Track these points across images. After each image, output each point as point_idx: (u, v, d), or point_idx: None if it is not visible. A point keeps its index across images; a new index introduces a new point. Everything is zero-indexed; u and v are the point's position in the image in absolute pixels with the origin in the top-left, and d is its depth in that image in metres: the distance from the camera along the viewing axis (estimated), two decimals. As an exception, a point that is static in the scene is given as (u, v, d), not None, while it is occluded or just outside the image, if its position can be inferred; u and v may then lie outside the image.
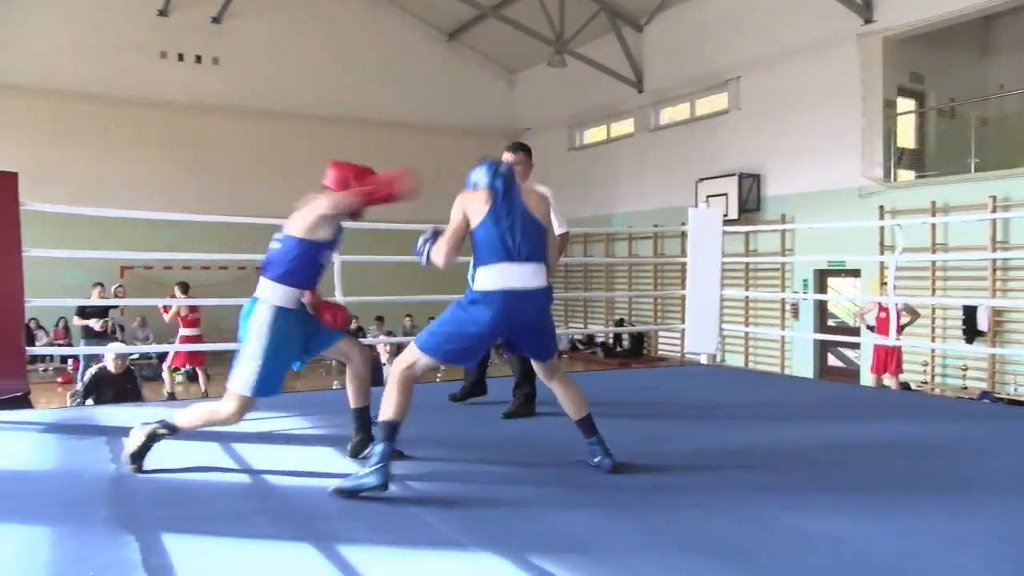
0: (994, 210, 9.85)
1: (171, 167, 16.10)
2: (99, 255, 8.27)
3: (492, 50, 18.84)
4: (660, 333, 15.67)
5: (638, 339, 15.83)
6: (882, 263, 10.54)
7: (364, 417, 3.51)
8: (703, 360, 7.07)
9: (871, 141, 11.41)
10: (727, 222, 7.44)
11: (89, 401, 6.35)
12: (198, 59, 16.56)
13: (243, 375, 3.22)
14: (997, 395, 9.82)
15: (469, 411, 4.81)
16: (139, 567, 2.23)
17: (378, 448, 2.90)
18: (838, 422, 4.47)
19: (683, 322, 7.14)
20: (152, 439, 3.25)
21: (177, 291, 11.00)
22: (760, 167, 13.16)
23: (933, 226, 10.54)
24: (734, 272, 13.01)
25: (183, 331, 11.04)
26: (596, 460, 3.27)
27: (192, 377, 13.51)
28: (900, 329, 9.31)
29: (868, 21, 11.40)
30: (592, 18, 15.28)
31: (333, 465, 3.42)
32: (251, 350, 3.24)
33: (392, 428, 2.95)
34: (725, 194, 13.10)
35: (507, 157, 4.92)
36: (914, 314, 9.33)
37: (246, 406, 3.24)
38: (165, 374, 11.04)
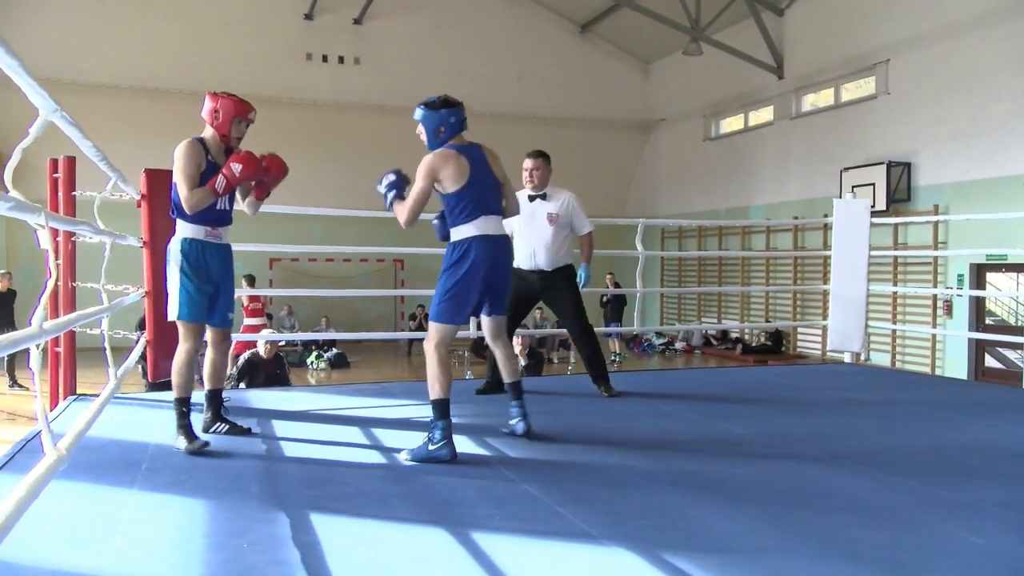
0: None
1: (316, 164, 16.85)
2: (250, 247, 8.77)
3: (626, 40, 18.63)
4: (800, 330, 15.08)
5: (776, 336, 15.29)
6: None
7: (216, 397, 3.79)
8: (847, 358, 6.75)
9: (1037, 124, 10.52)
10: (874, 213, 7.05)
11: (242, 384, 6.75)
12: (341, 60, 17.26)
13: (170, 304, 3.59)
14: None
15: (601, 405, 4.79)
16: (289, 542, 2.35)
17: (440, 424, 3.29)
18: (995, 426, 4.16)
19: (825, 318, 6.83)
20: (184, 421, 3.47)
21: (244, 283, 11.31)
22: (911, 155, 12.38)
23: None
24: (881, 266, 12.31)
25: (247, 320, 11.25)
26: (512, 422, 3.69)
27: (333, 364, 14.14)
28: None
29: (1037, -6, 10.50)
30: (729, 4, 14.83)
31: (470, 451, 3.49)
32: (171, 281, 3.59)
33: (444, 405, 3.33)
34: (872, 184, 12.42)
35: (527, 164, 4.99)
36: None
37: (190, 332, 3.56)
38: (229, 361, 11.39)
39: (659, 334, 17.13)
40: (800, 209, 14.09)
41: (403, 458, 3.30)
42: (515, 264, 4.86)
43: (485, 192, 3.53)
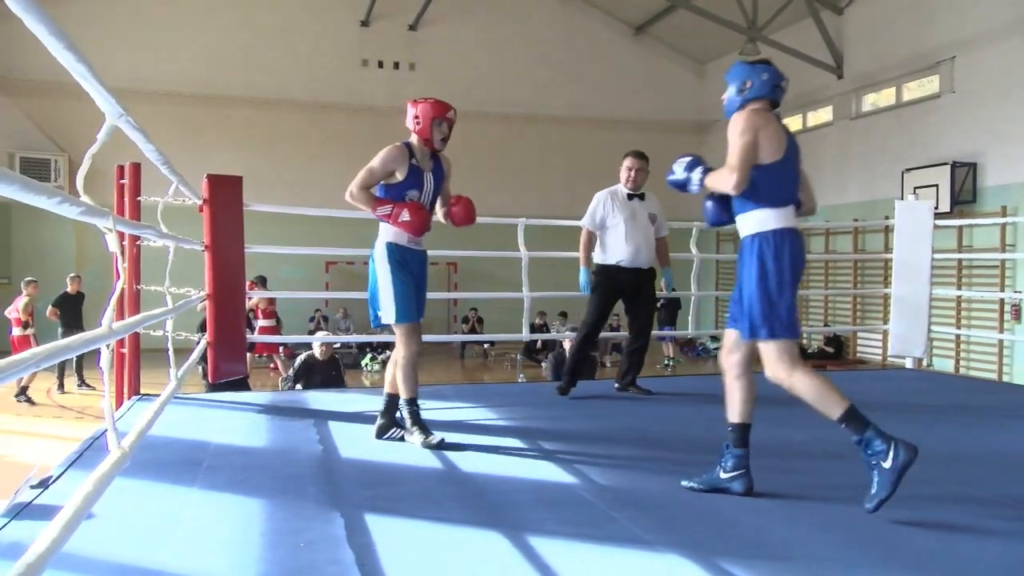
0: None
1: (371, 168, 17.09)
2: (307, 251, 8.95)
3: (680, 41, 18.44)
4: (860, 334, 14.72)
5: (836, 340, 14.96)
6: None
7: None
8: (909, 364, 6.57)
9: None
10: (938, 215, 6.86)
11: (298, 386, 6.87)
12: (396, 65, 17.46)
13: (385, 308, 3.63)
14: None
15: (655, 409, 4.75)
16: (344, 543, 2.38)
17: (736, 452, 2.91)
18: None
19: (886, 323, 6.67)
20: (415, 417, 3.60)
21: (256, 286, 11.22)
22: (977, 155, 11.99)
23: None
24: (945, 269, 11.94)
25: (260, 322, 11.19)
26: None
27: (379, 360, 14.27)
28: None
29: (1113, -13, 10.09)
30: (788, 3, 14.57)
31: (520, 455, 3.49)
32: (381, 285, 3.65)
33: (744, 431, 2.95)
34: (935, 185, 12.06)
35: (630, 163, 5.01)
36: None
37: (409, 333, 3.59)
38: (279, 361, 11.24)
39: (714, 338, 16.90)
40: (860, 211, 13.76)
41: (685, 484, 2.95)
42: (615, 261, 4.96)
43: (794, 177, 2.98)
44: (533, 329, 13.99)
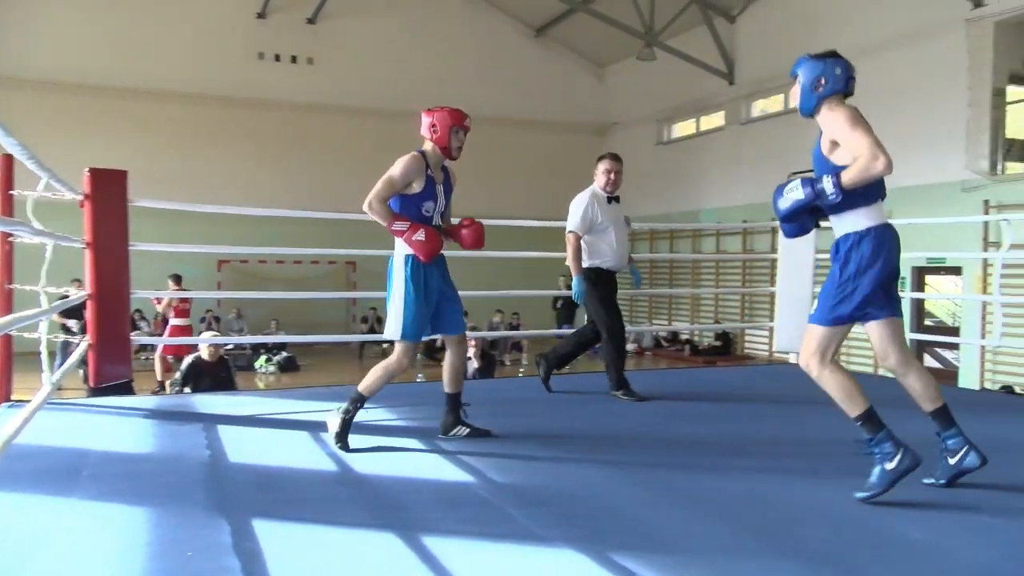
0: (1114, 205, 9.23)
1: (268, 164, 16.65)
2: (195, 249, 8.65)
3: (581, 44, 18.74)
4: (748, 331, 15.32)
5: (725, 337, 15.52)
6: (986, 260, 10.02)
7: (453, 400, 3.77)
8: (793, 359, 6.87)
9: (977, 132, 10.84)
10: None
11: (186, 389, 6.62)
12: (294, 59, 17.07)
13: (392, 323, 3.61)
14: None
15: (555, 407, 4.80)
16: (231, 550, 2.30)
17: (879, 437, 2.79)
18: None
19: (772, 320, 6.96)
20: (348, 415, 3.53)
21: (171, 283, 10.88)
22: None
23: (1045, 222, 9.94)
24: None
25: (174, 320, 10.96)
26: (954, 459, 2.93)
27: (283, 368, 13.95)
28: None
29: (978, 5, 10.82)
30: (683, 10, 15.01)
31: (419, 455, 3.47)
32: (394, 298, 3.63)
33: (872, 415, 2.84)
34: (819, 189, 12.67)
35: (611, 166, 4.99)
36: None
37: (408, 351, 3.57)
38: (158, 363, 10.73)
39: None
40: (749, 213, 14.31)
41: (858, 497, 2.79)
42: (604, 264, 4.93)
43: None
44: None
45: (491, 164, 15.75)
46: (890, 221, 2.98)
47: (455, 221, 3.91)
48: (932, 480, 2.96)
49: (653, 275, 17.98)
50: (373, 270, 16.57)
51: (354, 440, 3.61)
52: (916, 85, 11.62)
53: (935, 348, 11.97)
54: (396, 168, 3.57)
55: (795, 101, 3.04)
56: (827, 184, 2.81)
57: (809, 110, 2.98)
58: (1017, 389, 9.97)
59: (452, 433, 3.72)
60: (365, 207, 3.59)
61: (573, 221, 4.92)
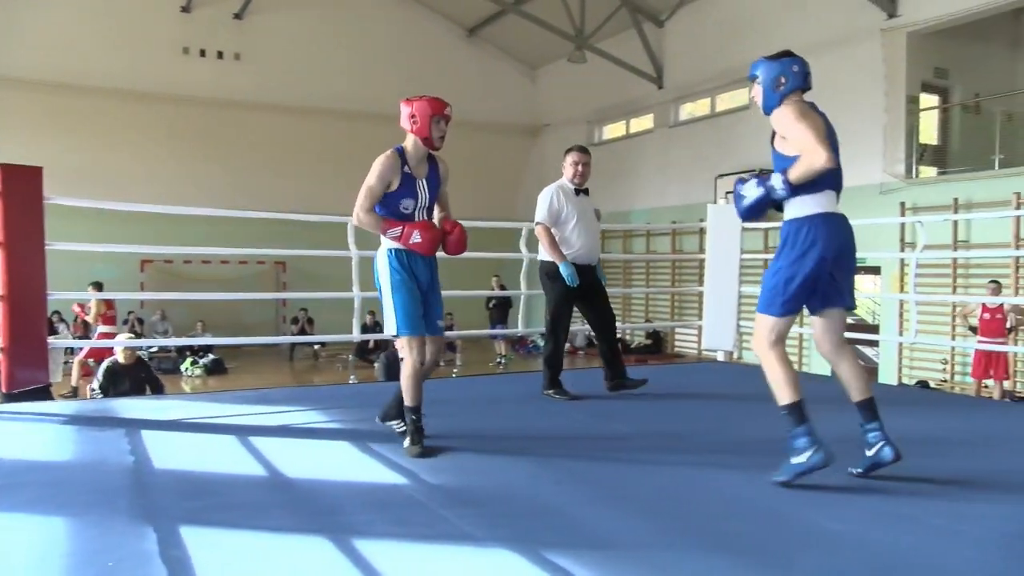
0: (1018, 207, 9.72)
1: (195, 162, 16.23)
2: (117, 248, 8.38)
3: (513, 45, 18.81)
4: (677, 330, 15.61)
5: (655, 336, 15.78)
6: (902, 260, 10.43)
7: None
8: (720, 357, 7.03)
9: (893, 137, 11.29)
10: (747, 218, 7.39)
11: (101, 394, 6.40)
12: (220, 55, 16.68)
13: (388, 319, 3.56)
14: (1020, 394, 9.70)
15: (488, 407, 4.81)
16: (156, 558, 2.24)
17: (799, 431, 2.90)
18: (853, 419, 4.41)
19: (701, 319, 7.11)
20: (415, 429, 3.49)
21: (90, 289, 10.10)
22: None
23: (955, 223, 10.42)
24: (753, 269, 12.88)
25: (100, 328, 10.44)
26: (872, 451, 3.02)
27: (210, 371, 13.63)
28: (1009, 331, 9.24)
29: (892, 16, 11.27)
30: (613, 14, 15.21)
31: (350, 458, 3.43)
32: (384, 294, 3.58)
33: (799, 408, 2.95)
34: (744, 191, 13.00)
35: (580, 157, 4.99)
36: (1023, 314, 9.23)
37: (412, 345, 3.50)
38: (75, 367, 10.35)
39: (543, 336, 17.35)
40: (678, 214, 14.58)
41: (775, 480, 2.94)
42: (576, 258, 4.86)
43: (837, 162, 2.99)
44: (365, 329, 13.79)
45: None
46: (839, 213, 3.06)
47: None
48: (854, 470, 3.08)
49: (585, 275, 18.16)
50: (304, 270, 16.35)
51: (281, 444, 3.55)
52: (836, 91, 11.98)
53: (856, 345, 12.40)
54: (372, 174, 3.50)
55: (758, 101, 3.13)
56: (776, 181, 2.98)
57: (771, 108, 3.07)
58: (932, 384, 10.42)
59: (388, 423, 3.69)
60: (354, 221, 3.55)
61: (540, 212, 4.92)
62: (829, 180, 2.99)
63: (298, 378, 13.62)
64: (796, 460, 2.89)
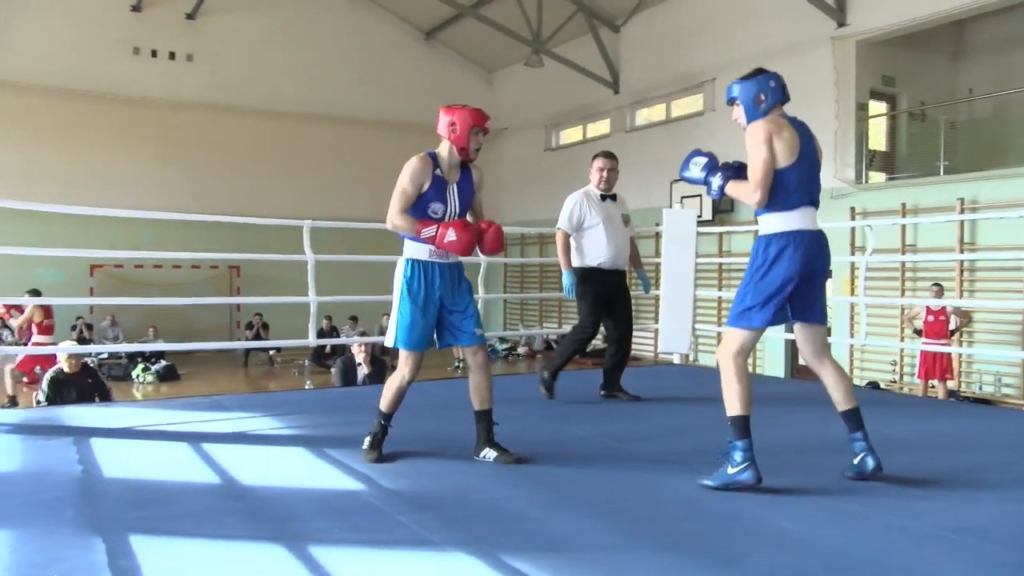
0: (962, 212, 10.00)
1: (147, 164, 15.93)
2: (64, 253, 8.17)
3: (470, 49, 18.82)
4: (634, 333, 15.70)
5: (613, 339, 15.87)
6: (853, 264, 10.65)
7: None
8: (676, 360, 7.10)
9: (843, 143, 11.54)
10: (701, 223, 7.50)
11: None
12: (172, 56, 16.40)
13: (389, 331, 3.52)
14: (964, 394, 9.97)
15: (445, 412, 4.79)
16: (105, 569, 2.19)
17: (739, 445, 2.96)
18: (805, 419, 4.50)
19: (656, 322, 7.17)
20: (378, 436, 3.49)
21: (27, 297, 9.19)
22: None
23: (903, 227, 10.68)
24: (708, 272, 13.09)
25: (36, 337, 9.67)
26: (857, 460, 3.07)
27: (162, 377, 13.38)
28: (951, 333, 9.48)
29: (841, 24, 11.52)
30: (569, 19, 15.30)
31: (306, 465, 3.39)
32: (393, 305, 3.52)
33: (744, 423, 3.01)
34: (699, 195, 13.16)
35: (604, 163, 4.99)
36: (966, 316, 9.48)
37: (408, 360, 3.47)
38: (7, 377, 9.84)
39: (502, 340, 17.37)
40: (635, 218, 14.62)
41: (703, 483, 3.00)
42: (596, 263, 4.83)
43: (813, 175, 3.07)
44: (321, 334, 13.66)
45: (376, 168, 15.57)
46: (814, 230, 3.11)
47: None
48: (848, 473, 3.12)
49: (544, 279, 18.22)
50: (258, 274, 16.14)
51: (235, 451, 3.50)
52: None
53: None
54: (404, 177, 3.42)
55: (741, 122, 3.15)
56: (715, 183, 3.12)
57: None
58: (882, 384, 10.65)
59: (481, 456, 3.50)
60: (389, 226, 3.45)
61: (561, 219, 4.92)
62: (806, 196, 3.06)
63: (253, 384, 13.44)
64: (731, 471, 2.96)
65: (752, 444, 2.97)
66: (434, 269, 3.48)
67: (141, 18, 16.00)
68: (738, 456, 2.95)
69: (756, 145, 2.98)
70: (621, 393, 5.10)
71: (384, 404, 3.53)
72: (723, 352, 3.08)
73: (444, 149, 3.50)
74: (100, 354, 12.91)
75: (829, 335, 3.32)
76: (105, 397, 6.62)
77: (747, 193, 3.00)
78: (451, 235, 3.35)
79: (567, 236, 4.91)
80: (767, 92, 3.06)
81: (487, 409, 3.54)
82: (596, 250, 4.89)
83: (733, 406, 3.01)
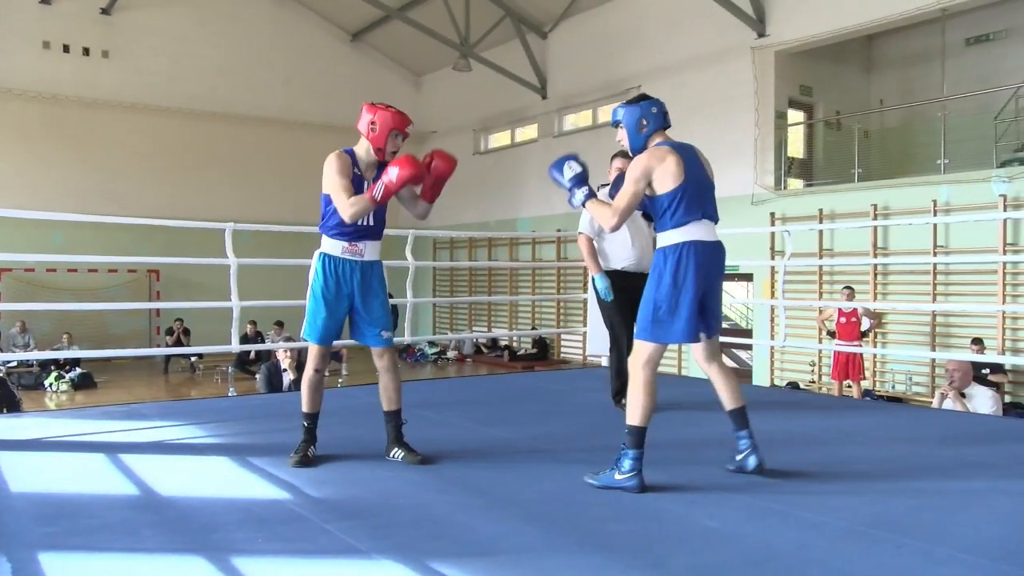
0: (875, 218, 10.40)
1: (58, 164, 15.31)
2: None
3: (397, 52, 18.69)
4: (563, 336, 15.86)
5: (542, 343, 15.98)
6: (772, 267, 10.97)
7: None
8: (604, 362, 7.18)
9: (763, 150, 11.88)
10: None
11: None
12: (86, 51, 15.80)
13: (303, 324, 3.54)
14: (878, 392, 10.37)
15: (370, 417, 4.73)
16: (14, 587, 2.10)
17: (631, 454, 3.06)
18: (724, 420, 4.60)
19: (586, 325, 7.24)
20: (305, 438, 3.49)
21: None
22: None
23: (820, 232, 11.06)
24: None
25: None
26: (740, 457, 3.22)
27: (77, 386, 12.88)
28: (863, 335, 9.80)
29: (761, 35, 11.86)
30: (497, 23, 15.35)
31: (229, 474, 3.31)
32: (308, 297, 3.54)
33: (641, 434, 3.10)
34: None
35: (620, 164, 4.85)
36: (876, 317, 9.80)
37: (314, 354, 3.49)
38: None
39: (431, 344, 17.29)
40: (564, 222, 14.83)
41: (587, 480, 3.12)
42: (620, 266, 4.71)
43: (703, 192, 3.19)
44: (245, 339, 13.35)
45: (300, 171, 15.33)
46: (710, 240, 3.19)
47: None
48: (729, 466, 3.28)
49: (473, 282, 18.21)
50: (179, 278, 15.69)
51: (153, 461, 3.39)
52: (711, 105, 12.54)
53: (731, 349, 12.95)
54: (332, 172, 3.37)
55: (625, 144, 3.28)
56: (579, 193, 3.27)
57: (638, 148, 3.25)
58: (801, 385, 10.99)
59: (391, 455, 3.53)
60: (347, 220, 3.36)
61: (583, 223, 4.83)
62: (699, 211, 3.16)
63: (173, 391, 13.04)
64: (617, 476, 3.05)
65: (643, 455, 3.06)
66: (345, 266, 3.49)
67: (51, 11, 15.37)
68: (627, 464, 3.05)
69: (631, 179, 3.14)
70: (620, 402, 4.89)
71: (304, 404, 3.52)
72: (631, 363, 3.18)
73: (362, 148, 3.49)
74: (9, 363, 12.35)
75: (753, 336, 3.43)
76: (14, 408, 6.34)
77: (606, 216, 3.17)
78: (394, 172, 3.32)
79: (590, 240, 4.82)
80: (649, 118, 3.21)
81: (396, 410, 3.59)
82: (620, 253, 4.81)
83: (634, 416, 3.10)
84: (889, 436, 4.32)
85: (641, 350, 3.15)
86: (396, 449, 3.54)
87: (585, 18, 15.06)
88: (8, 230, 11.96)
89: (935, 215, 9.72)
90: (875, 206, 10.54)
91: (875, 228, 10.50)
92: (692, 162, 3.20)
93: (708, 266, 3.14)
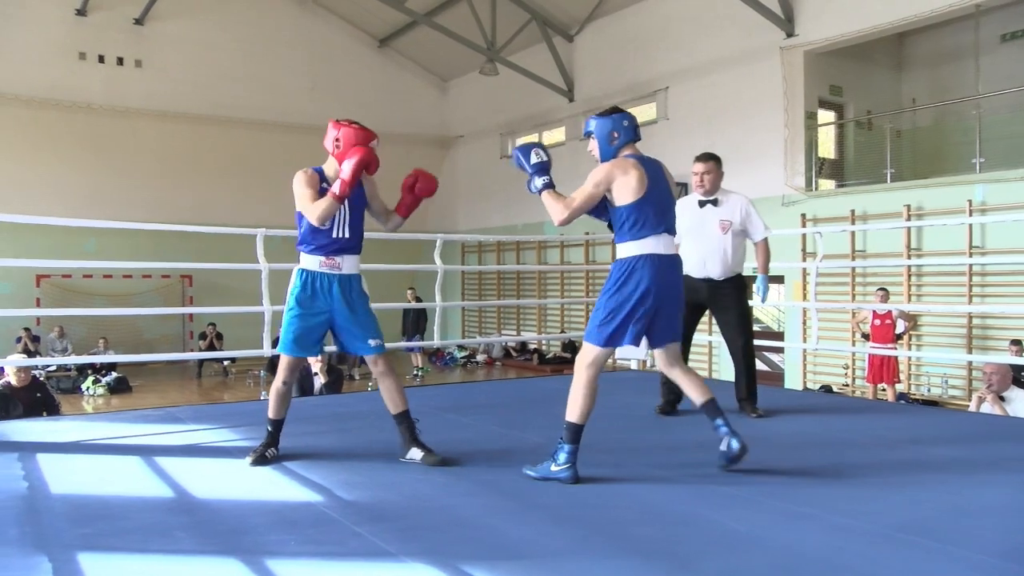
0: (908, 218, 10.26)
1: (91, 172, 15.60)
2: (12, 263, 7.97)
3: (424, 57, 18.79)
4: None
5: (571, 346, 15.95)
6: (804, 270, 10.86)
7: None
8: (633, 365, 7.16)
9: (793, 151, 11.77)
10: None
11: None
12: (120, 61, 16.10)
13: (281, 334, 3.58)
14: (913, 396, 10.21)
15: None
16: (53, 588, 2.15)
17: (566, 448, 3.20)
18: (756, 422, 4.57)
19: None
20: (265, 442, 3.56)
21: None
22: (686, 176, 13.25)
23: (852, 234, 10.93)
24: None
25: None
26: (724, 445, 3.26)
27: (113, 390, 13.09)
28: (898, 337, 9.68)
29: (790, 35, 11.76)
30: (523, 27, 15.37)
31: (260, 476, 3.35)
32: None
33: (578, 431, 3.26)
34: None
35: (698, 167, 4.81)
36: (910, 320, 9.68)
37: (287, 364, 3.56)
38: None
39: (460, 347, 17.34)
40: (591, 225, 14.73)
41: (525, 472, 3.26)
42: (685, 272, 4.70)
43: (665, 206, 3.29)
44: (276, 343, 13.47)
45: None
46: (668, 254, 3.29)
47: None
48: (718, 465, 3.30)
49: (502, 286, 18.24)
50: (211, 283, 15.89)
51: (186, 464, 3.44)
52: (740, 106, 12.46)
53: (763, 352, 12.82)
54: (301, 187, 3.43)
55: (595, 155, 3.39)
56: (539, 181, 3.37)
57: (606, 159, 3.35)
58: (835, 388, 10.86)
59: (407, 457, 3.53)
60: (316, 224, 3.42)
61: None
62: (661, 225, 3.26)
63: (206, 395, 13.21)
64: (553, 467, 3.19)
65: (577, 450, 3.19)
66: (323, 279, 3.52)
67: (86, 22, 15.68)
68: (562, 457, 3.17)
69: (592, 182, 3.26)
70: (750, 410, 4.75)
71: (270, 411, 3.59)
72: (578, 362, 3.29)
73: (330, 166, 3.52)
74: (48, 367, 12.60)
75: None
76: (53, 411, 6.45)
77: (557, 210, 3.29)
78: (345, 167, 3.35)
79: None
80: (620, 131, 3.31)
81: (404, 411, 3.60)
82: (685, 258, 4.76)
83: (573, 413, 3.21)
84: (923, 438, 4.26)
85: (587, 352, 3.27)
86: (413, 449, 3.53)
87: (611, 20, 15.03)
88: (42, 238, 12.21)
89: (970, 215, 9.56)
90: (908, 206, 10.39)
91: (908, 229, 10.35)
92: (656, 177, 3.29)
93: (663, 279, 3.23)
